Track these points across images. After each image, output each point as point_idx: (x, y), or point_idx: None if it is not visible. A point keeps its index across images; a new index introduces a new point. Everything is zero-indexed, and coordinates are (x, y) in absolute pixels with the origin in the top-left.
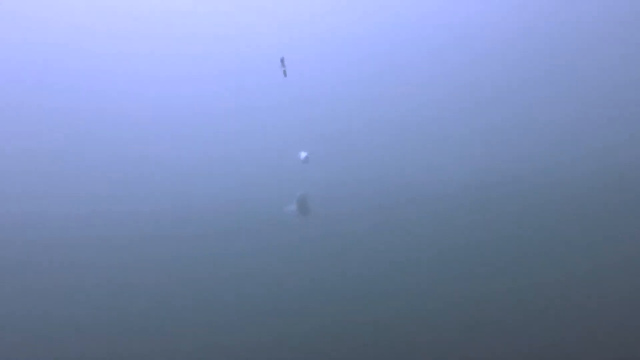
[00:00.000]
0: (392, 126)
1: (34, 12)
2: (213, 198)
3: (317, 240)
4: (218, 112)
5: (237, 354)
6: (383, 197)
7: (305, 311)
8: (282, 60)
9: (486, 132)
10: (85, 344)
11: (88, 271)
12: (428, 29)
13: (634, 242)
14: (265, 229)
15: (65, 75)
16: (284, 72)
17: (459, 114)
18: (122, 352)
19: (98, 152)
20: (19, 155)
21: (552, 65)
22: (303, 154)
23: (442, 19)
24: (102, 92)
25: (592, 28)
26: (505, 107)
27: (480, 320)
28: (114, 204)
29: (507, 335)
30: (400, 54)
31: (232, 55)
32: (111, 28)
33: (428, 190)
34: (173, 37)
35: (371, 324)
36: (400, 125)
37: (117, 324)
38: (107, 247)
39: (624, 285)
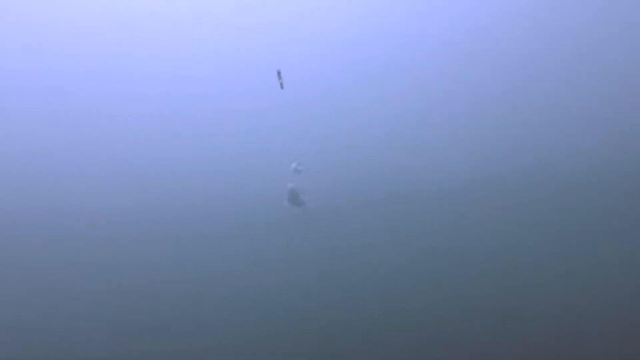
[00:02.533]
0: (388, 126)
1: (29, 9)
2: (210, 198)
3: (316, 239)
4: (214, 113)
5: (237, 350)
6: (378, 196)
7: (304, 309)
8: (279, 73)
9: (484, 132)
10: (81, 341)
11: (85, 270)
12: (424, 29)
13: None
14: (262, 228)
15: (61, 73)
16: (281, 85)
17: (457, 113)
18: (120, 348)
19: (94, 151)
20: (12, 153)
21: (555, 61)
22: (294, 165)
23: (436, 20)
24: (107, 91)
25: (594, 23)
26: (502, 106)
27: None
28: (110, 202)
29: (510, 331)
30: (398, 55)
31: (231, 57)
32: (112, 27)
33: (425, 190)
34: (172, 38)
35: (371, 322)
36: (397, 126)
37: (115, 321)
38: (102, 245)
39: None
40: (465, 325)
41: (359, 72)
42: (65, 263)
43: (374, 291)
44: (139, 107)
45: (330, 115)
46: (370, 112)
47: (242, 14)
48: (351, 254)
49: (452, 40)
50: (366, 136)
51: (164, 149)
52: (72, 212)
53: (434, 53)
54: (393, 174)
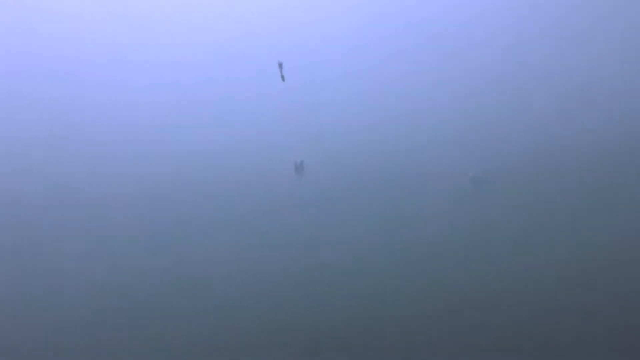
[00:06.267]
0: (392, 117)
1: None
2: (207, 190)
3: (316, 229)
4: (212, 104)
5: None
6: (379, 186)
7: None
8: (280, 65)
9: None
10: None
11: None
12: (430, 18)
13: None
14: (259, 220)
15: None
16: (282, 77)
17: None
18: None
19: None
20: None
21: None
22: (298, 162)
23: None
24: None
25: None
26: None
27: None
28: (106, 188)
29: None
30: (402, 45)
31: (230, 47)
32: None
33: (429, 178)
34: (168, 31)
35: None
36: (399, 116)
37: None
38: (103, 229)
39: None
40: (467, 313)
41: (362, 62)
42: (66, 249)
43: (372, 282)
44: (134, 98)
45: (334, 107)
46: (375, 101)
47: (243, 3)
48: (352, 244)
49: (463, 27)
50: (370, 127)
51: (158, 140)
52: (80, 192)
53: (440, 41)
54: (395, 164)
